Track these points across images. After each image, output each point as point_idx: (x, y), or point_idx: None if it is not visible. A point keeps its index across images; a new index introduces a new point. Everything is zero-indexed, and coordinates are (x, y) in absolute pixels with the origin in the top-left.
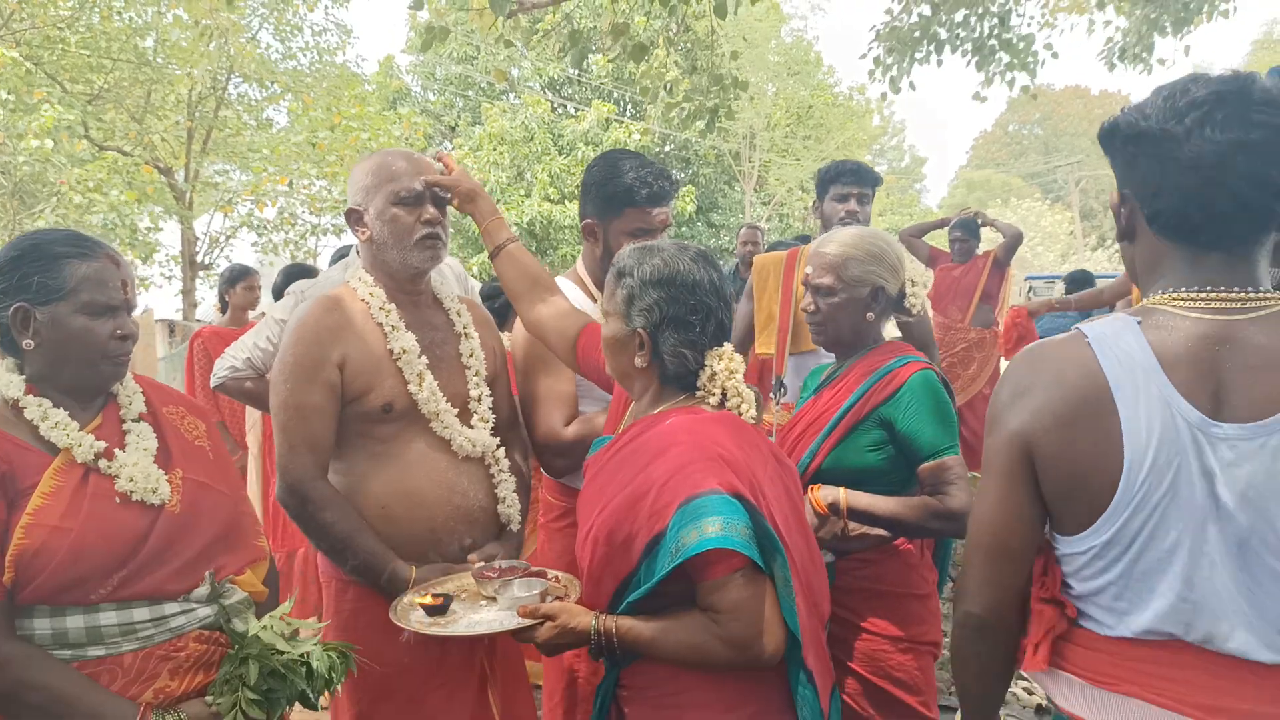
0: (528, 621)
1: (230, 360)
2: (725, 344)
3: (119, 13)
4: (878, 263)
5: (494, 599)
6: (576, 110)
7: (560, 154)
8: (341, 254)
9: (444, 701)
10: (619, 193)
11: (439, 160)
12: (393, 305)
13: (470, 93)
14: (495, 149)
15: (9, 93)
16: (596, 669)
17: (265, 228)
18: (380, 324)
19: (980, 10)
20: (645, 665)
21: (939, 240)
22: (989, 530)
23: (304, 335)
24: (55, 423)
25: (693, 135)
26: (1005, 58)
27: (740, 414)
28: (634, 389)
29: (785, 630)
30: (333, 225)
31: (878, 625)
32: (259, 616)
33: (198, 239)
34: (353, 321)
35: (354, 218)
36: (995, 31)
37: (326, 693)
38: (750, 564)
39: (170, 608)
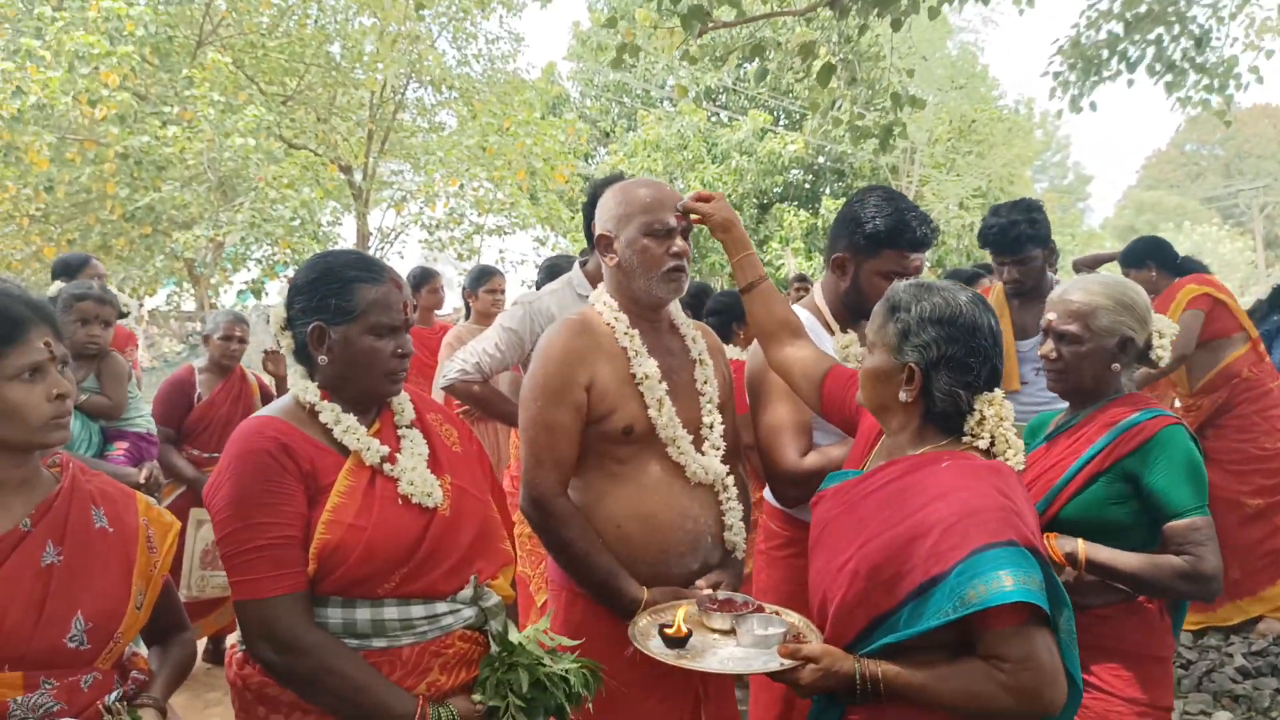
0: (789, 663)
1: (460, 364)
2: (996, 389)
3: (313, 20)
4: (1128, 313)
5: (727, 633)
6: (731, 119)
7: (713, 162)
8: (552, 267)
9: (661, 715)
10: (881, 233)
11: (699, 198)
12: (636, 331)
13: (626, 99)
14: (649, 156)
15: (220, 94)
16: None
17: (433, 226)
18: (625, 348)
19: (1176, 30)
20: (889, 707)
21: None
22: None
23: (554, 356)
24: (347, 427)
25: (861, 151)
26: (1198, 79)
27: (1007, 463)
28: (890, 423)
29: (1069, 680)
30: (495, 226)
31: (1115, 685)
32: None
33: (370, 234)
34: (600, 345)
35: (604, 243)
36: (1189, 53)
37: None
38: (1037, 614)
39: (441, 606)
